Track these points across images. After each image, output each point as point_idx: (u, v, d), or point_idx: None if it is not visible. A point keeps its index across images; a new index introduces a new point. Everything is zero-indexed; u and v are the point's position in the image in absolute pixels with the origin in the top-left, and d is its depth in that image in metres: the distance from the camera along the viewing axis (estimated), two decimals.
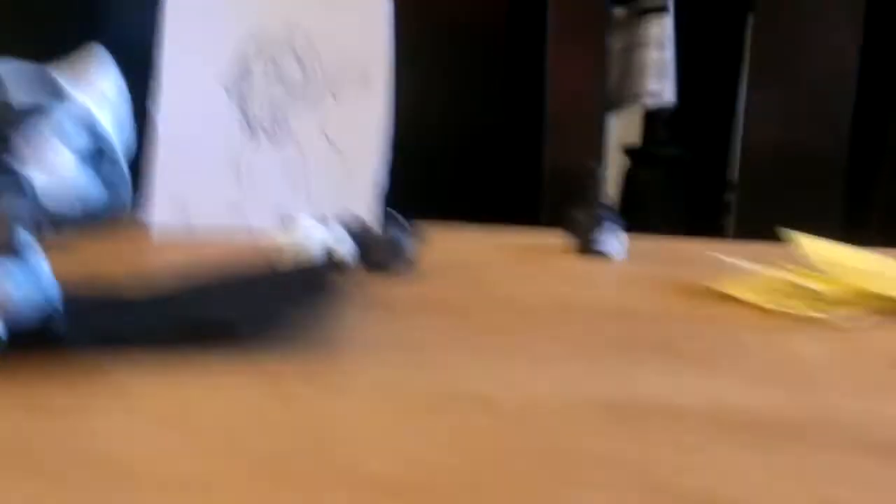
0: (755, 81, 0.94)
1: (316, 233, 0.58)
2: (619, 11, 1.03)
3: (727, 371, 0.40)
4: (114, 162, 0.42)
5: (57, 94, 0.41)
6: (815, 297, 0.50)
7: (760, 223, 0.71)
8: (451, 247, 0.68)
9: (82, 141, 0.41)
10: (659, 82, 1.04)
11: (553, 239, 0.70)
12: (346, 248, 0.58)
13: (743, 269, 0.55)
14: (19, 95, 0.40)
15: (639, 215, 1.05)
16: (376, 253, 0.59)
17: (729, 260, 0.56)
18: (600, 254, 0.66)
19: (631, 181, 1.07)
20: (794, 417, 0.34)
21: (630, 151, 1.10)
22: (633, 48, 1.04)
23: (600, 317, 0.49)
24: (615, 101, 1.05)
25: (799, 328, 0.47)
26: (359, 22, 0.69)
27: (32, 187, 0.39)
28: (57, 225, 0.40)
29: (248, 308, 0.45)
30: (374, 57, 0.70)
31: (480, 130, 1.00)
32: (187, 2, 0.70)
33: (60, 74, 0.42)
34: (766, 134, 0.92)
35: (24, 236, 0.36)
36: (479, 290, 0.56)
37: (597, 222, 0.66)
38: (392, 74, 0.70)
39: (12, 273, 0.35)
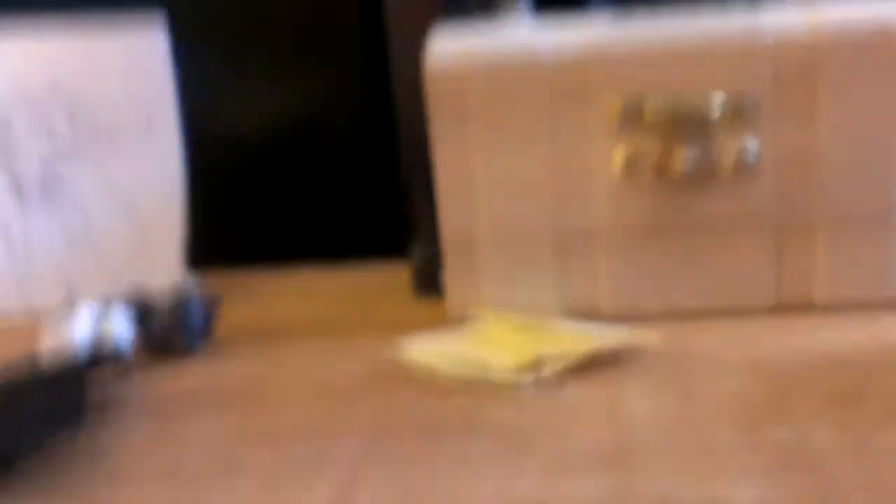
0: None
1: (86, 324, 0.50)
2: None
3: None
4: None
5: None
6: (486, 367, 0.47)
7: None
8: (262, 303, 0.60)
9: None
10: None
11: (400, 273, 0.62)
12: (123, 334, 0.50)
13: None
14: None
15: None
16: (161, 333, 0.51)
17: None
18: (439, 293, 0.59)
19: None
20: None
21: None
22: None
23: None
24: None
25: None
26: (133, 66, 0.60)
27: None
28: None
29: None
30: (155, 100, 0.61)
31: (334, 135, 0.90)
32: None
33: None
34: None
35: None
36: (273, 368, 0.48)
37: (433, 258, 0.59)
38: (177, 116, 0.61)
39: None
